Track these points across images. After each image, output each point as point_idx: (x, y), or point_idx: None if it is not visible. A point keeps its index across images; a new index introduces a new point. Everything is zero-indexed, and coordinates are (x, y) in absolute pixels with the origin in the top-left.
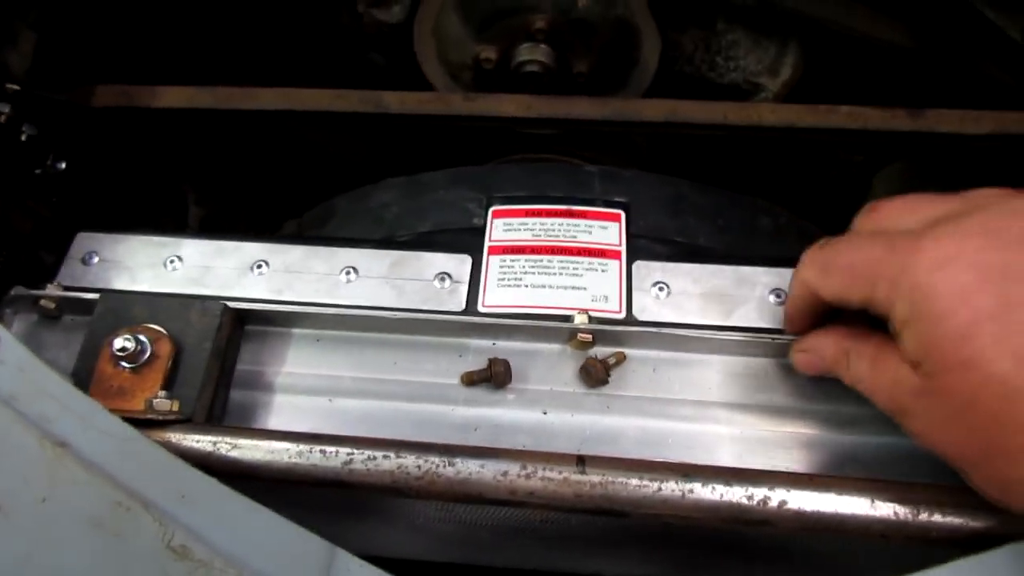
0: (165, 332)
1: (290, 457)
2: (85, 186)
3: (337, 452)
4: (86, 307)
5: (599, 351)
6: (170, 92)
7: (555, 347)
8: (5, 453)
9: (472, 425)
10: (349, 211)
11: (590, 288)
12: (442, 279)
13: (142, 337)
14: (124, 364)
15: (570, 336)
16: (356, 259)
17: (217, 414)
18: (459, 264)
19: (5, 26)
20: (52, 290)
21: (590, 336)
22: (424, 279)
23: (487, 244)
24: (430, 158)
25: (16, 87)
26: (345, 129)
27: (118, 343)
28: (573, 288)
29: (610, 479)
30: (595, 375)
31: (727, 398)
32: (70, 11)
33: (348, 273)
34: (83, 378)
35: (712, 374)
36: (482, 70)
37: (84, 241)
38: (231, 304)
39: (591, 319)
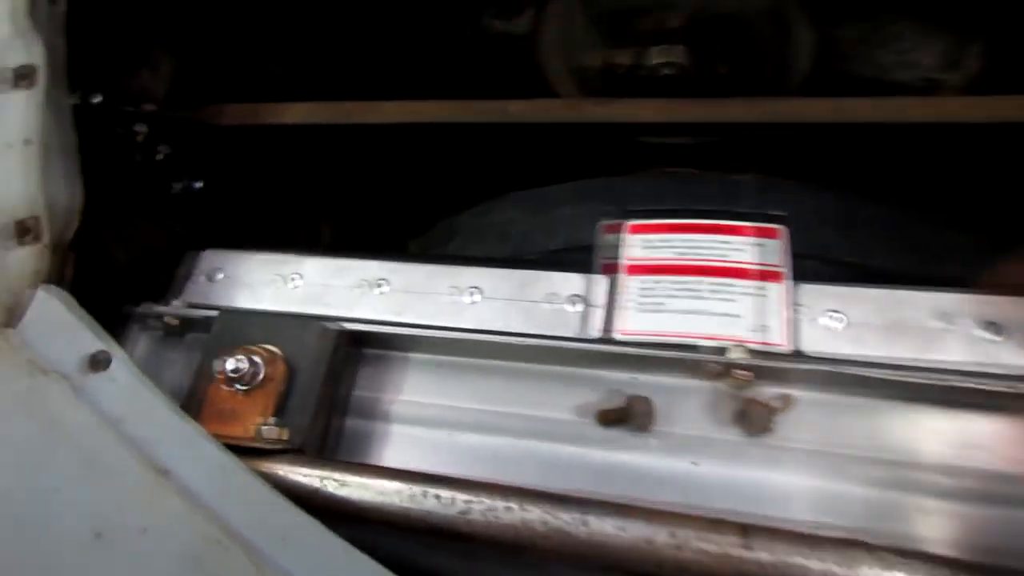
0: (280, 353)
1: (401, 501)
2: (219, 204)
3: (454, 499)
4: (207, 325)
5: (761, 392)
6: (294, 108)
7: (707, 385)
8: (109, 477)
9: (608, 473)
10: (473, 228)
11: (747, 315)
12: (574, 302)
13: (256, 358)
14: (237, 386)
15: (725, 372)
16: (481, 279)
17: (330, 444)
18: (593, 285)
19: (145, 51)
20: (176, 307)
21: (750, 373)
22: (554, 302)
23: (625, 263)
24: (555, 173)
25: (153, 107)
26: (467, 141)
27: (231, 364)
28: (727, 315)
29: (784, 559)
30: (757, 421)
31: (928, 459)
32: (206, 35)
33: (472, 294)
34: (197, 398)
35: (907, 427)
36: (612, 75)
37: (210, 258)
38: (348, 325)
39: (750, 352)
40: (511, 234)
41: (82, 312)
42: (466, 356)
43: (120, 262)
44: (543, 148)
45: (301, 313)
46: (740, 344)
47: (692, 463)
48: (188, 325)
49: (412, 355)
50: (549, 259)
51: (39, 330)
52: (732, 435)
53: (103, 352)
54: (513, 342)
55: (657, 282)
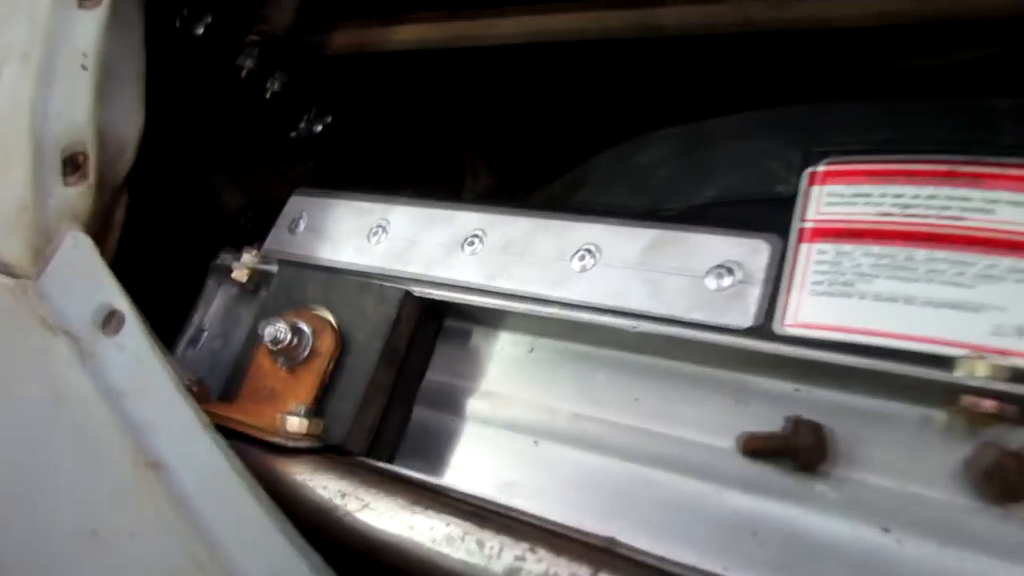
0: (333, 322)
1: (432, 543)
2: (349, 144)
3: (500, 549)
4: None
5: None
6: (405, 28)
7: (923, 415)
8: (104, 463)
9: (749, 528)
10: (607, 173)
11: (1011, 310)
12: (722, 275)
13: (304, 326)
14: (281, 359)
15: (962, 402)
16: (597, 237)
17: (389, 439)
18: (751, 253)
19: None
20: (246, 259)
21: (1013, 408)
22: (693, 273)
23: (802, 224)
24: (726, 105)
25: (264, 32)
26: (609, 62)
27: (269, 332)
28: (968, 309)
29: None
30: (1018, 488)
31: None
32: None
33: (584, 257)
34: (243, 368)
35: None
36: None
37: (296, 204)
38: (420, 290)
39: (1010, 372)
40: (649, 181)
41: (102, 265)
42: (568, 340)
43: (231, 209)
44: (717, 69)
45: (377, 271)
46: (988, 357)
47: (895, 541)
48: (260, 280)
49: (502, 333)
50: (694, 214)
51: (59, 281)
52: (966, 503)
53: (117, 312)
54: (631, 327)
55: (853, 252)
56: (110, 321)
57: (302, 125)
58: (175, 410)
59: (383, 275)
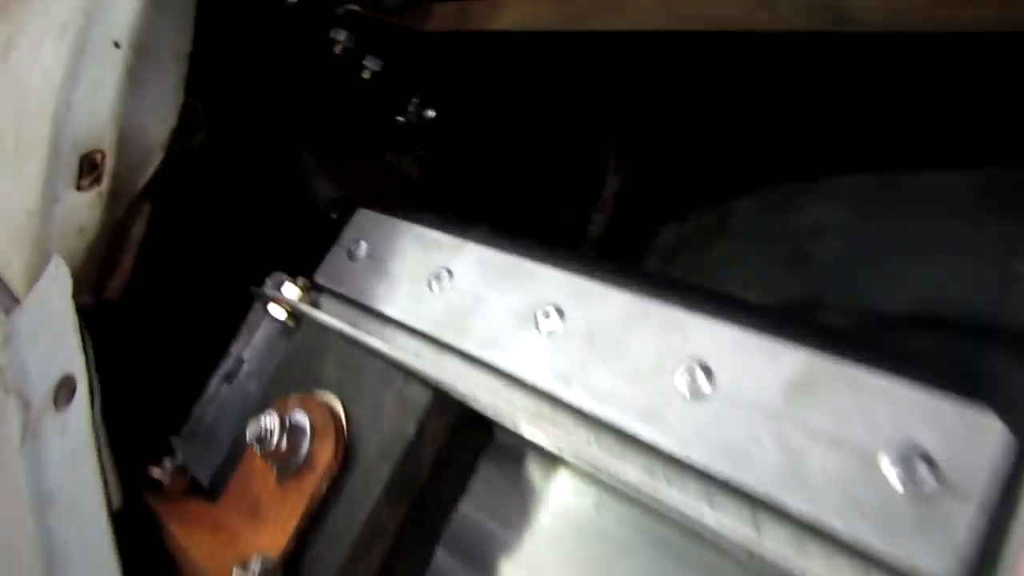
0: (342, 420)
1: None
2: (467, 137)
3: None
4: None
5: None
6: (512, 7)
7: None
8: None
9: None
10: (754, 228)
11: None
12: (912, 465)
13: (303, 422)
14: (271, 462)
15: None
16: (721, 349)
17: None
18: (970, 433)
19: None
20: (288, 292)
21: None
22: (863, 449)
23: None
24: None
25: (356, 7)
26: (781, 60)
27: (254, 430)
28: None
29: None
30: None
31: None
32: None
33: (694, 375)
34: (239, 454)
35: None
36: None
37: (360, 221)
38: (464, 395)
39: None
40: (812, 254)
41: (71, 311)
42: (650, 513)
43: (321, 199)
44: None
45: (427, 335)
46: None
47: None
48: (301, 319)
49: (563, 470)
50: (875, 329)
51: (29, 323)
52: None
53: (71, 379)
54: (745, 536)
55: None
56: (62, 389)
57: (410, 109)
58: (96, 550)
59: (433, 339)
